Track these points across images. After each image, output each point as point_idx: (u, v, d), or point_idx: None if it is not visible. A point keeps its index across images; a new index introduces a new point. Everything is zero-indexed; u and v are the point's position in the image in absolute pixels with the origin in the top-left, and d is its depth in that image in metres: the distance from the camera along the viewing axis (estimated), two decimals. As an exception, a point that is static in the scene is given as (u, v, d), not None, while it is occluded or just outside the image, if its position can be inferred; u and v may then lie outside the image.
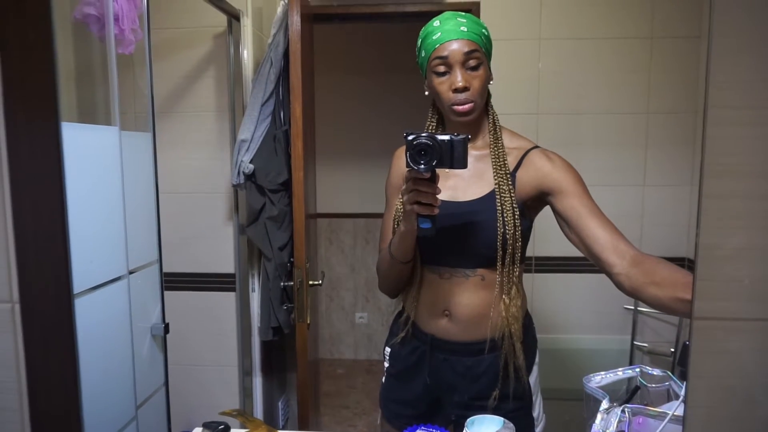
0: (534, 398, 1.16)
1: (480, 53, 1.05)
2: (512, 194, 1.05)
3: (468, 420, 1.01)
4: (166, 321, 1.40)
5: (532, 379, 1.16)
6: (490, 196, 1.05)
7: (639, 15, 2.02)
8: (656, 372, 0.97)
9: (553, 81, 2.07)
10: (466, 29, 1.04)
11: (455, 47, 1.03)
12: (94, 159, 1.12)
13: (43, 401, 0.58)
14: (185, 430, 1.07)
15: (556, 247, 2.14)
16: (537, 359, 1.19)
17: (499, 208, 1.03)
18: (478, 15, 2.04)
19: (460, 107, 1.05)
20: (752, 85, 0.47)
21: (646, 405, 0.90)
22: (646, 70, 2.03)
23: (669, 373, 0.96)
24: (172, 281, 1.83)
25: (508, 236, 1.04)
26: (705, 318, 0.53)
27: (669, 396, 0.92)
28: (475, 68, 1.04)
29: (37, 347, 0.56)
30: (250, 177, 1.71)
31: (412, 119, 1.25)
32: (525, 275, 2.26)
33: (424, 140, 0.92)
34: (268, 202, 1.74)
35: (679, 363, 0.68)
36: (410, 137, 0.93)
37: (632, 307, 2.14)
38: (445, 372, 1.14)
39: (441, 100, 1.08)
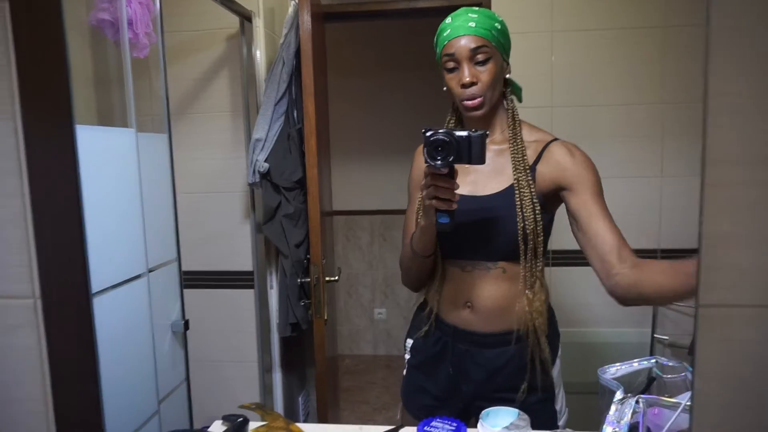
0: (557, 391, 1.18)
1: (489, 48, 1.05)
2: (532, 188, 1.06)
3: (483, 412, 1.02)
4: (186, 318, 1.44)
5: (555, 372, 1.18)
6: (510, 190, 1.06)
7: (650, 4, 1.99)
8: (672, 363, 0.97)
9: (567, 73, 2.05)
10: (474, 24, 1.05)
11: (462, 43, 1.05)
12: (111, 160, 1.15)
13: (65, 395, 0.60)
14: (206, 426, 1.09)
15: (574, 241, 2.13)
16: (560, 352, 1.21)
17: (518, 202, 1.05)
18: (489, 8, 2.03)
19: (469, 102, 1.06)
20: (753, 73, 0.47)
21: (663, 396, 0.89)
22: (659, 60, 2.00)
23: (685, 363, 0.95)
24: (192, 279, 1.87)
25: (528, 230, 1.05)
26: (710, 306, 0.53)
27: (686, 387, 0.92)
28: (483, 63, 1.05)
29: (59, 342, 0.58)
30: (266, 175, 1.73)
31: (428, 115, 1.27)
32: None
33: (440, 136, 0.93)
34: (284, 200, 1.76)
35: (689, 352, 0.67)
36: (428, 133, 0.94)
37: (652, 300, 2.12)
38: (467, 363, 1.15)
39: (453, 96, 1.09)
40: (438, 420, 1.05)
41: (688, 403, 0.80)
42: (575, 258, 2.15)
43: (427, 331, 1.20)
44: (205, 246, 1.93)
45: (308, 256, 1.80)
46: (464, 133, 0.93)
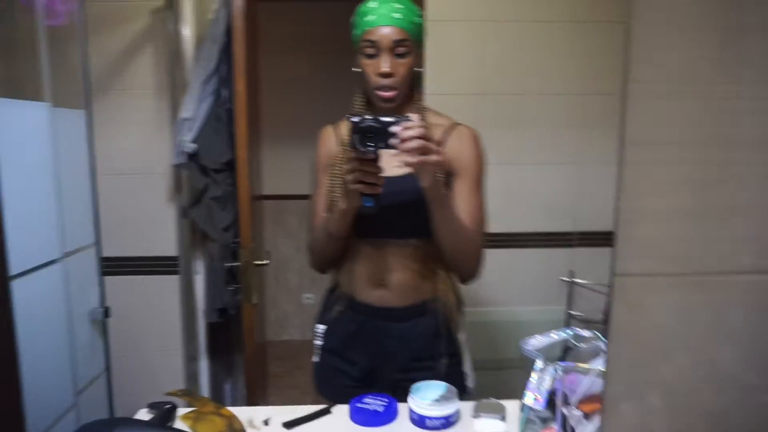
0: (464, 355, 1.26)
1: (410, 42, 1.09)
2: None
3: (413, 386, 1.06)
4: (107, 305, 1.37)
5: (462, 337, 1.27)
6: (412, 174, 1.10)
7: (578, 0, 2.10)
8: (586, 333, 1.05)
9: (498, 63, 2.13)
10: (400, 16, 1.08)
11: (386, 32, 1.07)
12: (22, 135, 1.06)
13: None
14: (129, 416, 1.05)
15: (500, 224, 2.23)
16: (464, 319, 1.30)
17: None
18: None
19: (385, 93, 1.10)
20: (667, 62, 0.52)
21: (578, 363, 0.97)
22: (581, 53, 2.12)
23: (597, 333, 1.03)
24: (113, 266, 1.78)
25: None
26: (623, 275, 0.58)
27: (598, 354, 0.99)
28: (402, 56, 1.09)
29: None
30: (193, 157, 1.67)
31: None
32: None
33: (371, 123, 0.95)
34: (212, 183, 1.71)
35: (603, 322, 0.74)
36: (355, 119, 0.96)
37: (568, 279, 2.26)
38: (384, 338, 1.20)
39: (367, 81, 1.12)
40: (370, 396, 1.08)
41: (601, 368, 0.87)
42: (496, 240, 2.26)
43: (341, 312, 1.22)
44: (126, 230, 1.83)
45: (237, 240, 1.76)
46: (392, 119, 0.96)
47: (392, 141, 0.95)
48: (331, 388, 1.27)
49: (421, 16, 1.13)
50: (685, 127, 0.56)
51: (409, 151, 0.95)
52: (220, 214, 1.72)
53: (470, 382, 1.26)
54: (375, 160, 1.00)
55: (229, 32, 1.68)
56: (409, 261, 1.17)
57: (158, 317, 1.90)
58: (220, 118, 1.70)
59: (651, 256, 0.57)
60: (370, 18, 1.08)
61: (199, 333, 1.97)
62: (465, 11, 2.10)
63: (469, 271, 1.18)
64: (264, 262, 1.72)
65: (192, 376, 1.96)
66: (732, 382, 0.71)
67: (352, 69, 1.16)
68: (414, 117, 0.98)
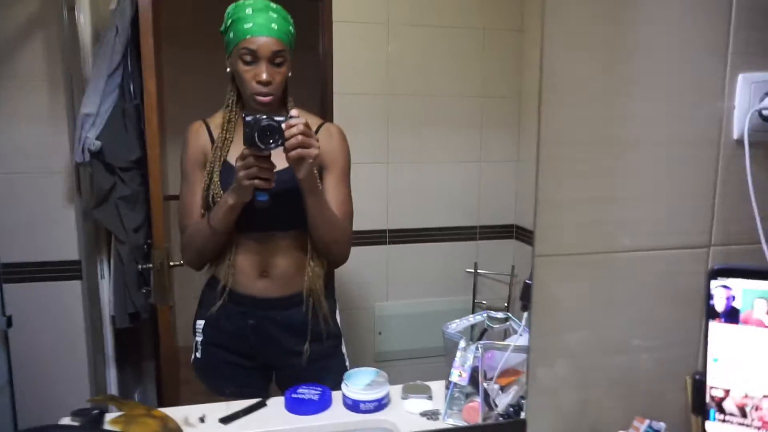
0: (341, 337, 1.42)
1: (286, 52, 1.20)
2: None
3: (345, 374, 1.11)
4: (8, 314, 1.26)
5: (339, 319, 1.42)
6: (290, 169, 1.19)
7: (473, 7, 2.26)
8: (499, 314, 1.16)
9: (402, 64, 2.23)
10: (276, 27, 1.16)
11: (264, 43, 1.17)
12: None
13: None
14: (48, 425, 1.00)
15: (408, 220, 2.34)
16: (338, 305, 1.46)
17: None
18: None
19: (263, 99, 1.20)
20: (576, 74, 0.61)
21: (492, 341, 1.07)
22: (480, 58, 2.29)
23: (509, 314, 1.15)
24: (9, 272, 1.63)
25: None
26: (542, 255, 0.68)
27: (511, 333, 1.11)
28: (279, 65, 1.19)
29: None
30: (97, 155, 1.58)
31: None
32: (380, 247, 2.43)
33: (269, 122, 1.04)
34: (119, 182, 1.63)
35: (521, 298, 0.84)
36: (249, 118, 1.05)
37: (472, 270, 2.42)
38: (267, 327, 1.27)
39: (244, 85, 1.21)
40: (304, 387, 1.12)
41: (516, 344, 0.98)
42: (409, 235, 2.37)
43: (221, 306, 1.27)
44: (22, 234, 1.69)
45: (149, 240, 1.69)
46: (282, 117, 1.07)
47: (286, 137, 1.06)
48: (219, 381, 1.31)
49: (293, 24, 1.22)
50: (586, 129, 0.66)
51: (294, 146, 1.03)
52: (129, 214, 1.65)
53: (347, 363, 1.38)
54: (269, 155, 1.09)
55: (134, 23, 1.61)
56: (289, 251, 1.27)
57: (61, 325, 1.77)
58: (128, 113, 1.62)
59: (563, 240, 0.67)
60: (247, 26, 1.15)
61: (106, 340, 1.87)
62: (368, 13, 2.17)
63: (340, 256, 1.30)
64: (179, 262, 1.67)
65: (99, 385, 1.85)
66: (622, 345, 0.84)
67: (227, 70, 1.25)
68: (295, 113, 1.09)
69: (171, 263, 1.60)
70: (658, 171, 0.69)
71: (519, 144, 2.40)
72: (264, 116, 1.05)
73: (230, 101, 1.27)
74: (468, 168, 2.36)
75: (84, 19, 1.69)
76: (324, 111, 2.23)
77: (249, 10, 1.16)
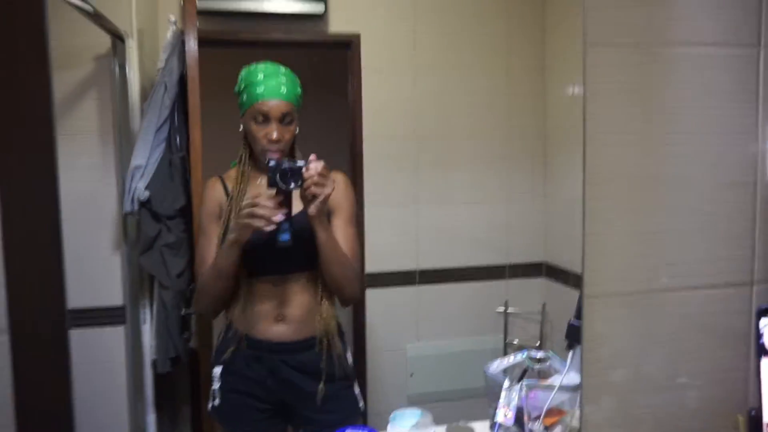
0: (353, 379, 1.42)
1: (294, 112, 1.30)
2: None
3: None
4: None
5: (350, 360, 1.42)
6: (304, 211, 1.24)
7: (495, 50, 2.34)
8: (540, 354, 1.17)
9: (428, 107, 2.31)
10: (285, 90, 1.29)
11: (275, 105, 1.27)
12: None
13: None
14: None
15: (438, 260, 2.36)
16: (349, 346, 1.46)
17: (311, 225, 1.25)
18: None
19: (273, 155, 1.30)
20: (616, 118, 0.65)
21: (535, 380, 1.08)
22: (504, 98, 2.36)
23: (550, 352, 1.16)
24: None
25: None
26: (592, 296, 0.70)
27: (553, 372, 1.12)
28: (288, 124, 1.29)
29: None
30: (145, 204, 1.66)
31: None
32: (410, 287, 2.45)
33: (289, 164, 1.15)
34: (164, 229, 1.71)
35: (566, 337, 0.86)
36: (273, 162, 1.15)
37: (503, 309, 2.42)
38: (283, 370, 1.32)
39: (256, 142, 1.31)
40: (350, 429, 1.13)
41: (562, 383, 0.99)
42: (438, 275, 2.39)
43: (235, 351, 1.31)
44: (68, 281, 1.76)
45: (191, 286, 1.75)
46: (302, 162, 1.16)
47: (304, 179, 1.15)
48: (239, 426, 1.34)
49: (301, 86, 1.33)
50: (627, 168, 0.70)
51: (312, 186, 1.14)
52: (173, 260, 1.71)
53: (361, 404, 1.39)
54: (290, 196, 1.18)
55: (181, 80, 1.72)
56: (302, 294, 1.31)
57: (104, 370, 1.82)
58: (174, 164, 1.71)
59: (612, 279, 0.70)
60: (260, 90, 1.26)
61: (146, 384, 1.91)
62: (395, 60, 2.27)
63: (351, 294, 1.34)
64: (220, 306, 1.72)
65: (138, 429, 1.88)
66: (668, 383, 0.85)
67: (240, 129, 1.36)
68: (314, 158, 1.18)
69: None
70: (699, 211, 0.72)
71: (545, 182, 2.44)
72: (285, 160, 1.16)
73: (243, 156, 1.37)
74: (495, 207, 2.40)
75: (134, 77, 1.81)
76: (353, 155, 2.31)
77: (261, 75, 1.28)
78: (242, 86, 1.31)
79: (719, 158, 0.71)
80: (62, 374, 0.53)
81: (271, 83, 1.27)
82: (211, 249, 1.33)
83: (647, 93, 0.67)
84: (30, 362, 0.51)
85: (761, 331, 0.62)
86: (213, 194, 1.38)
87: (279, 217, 1.16)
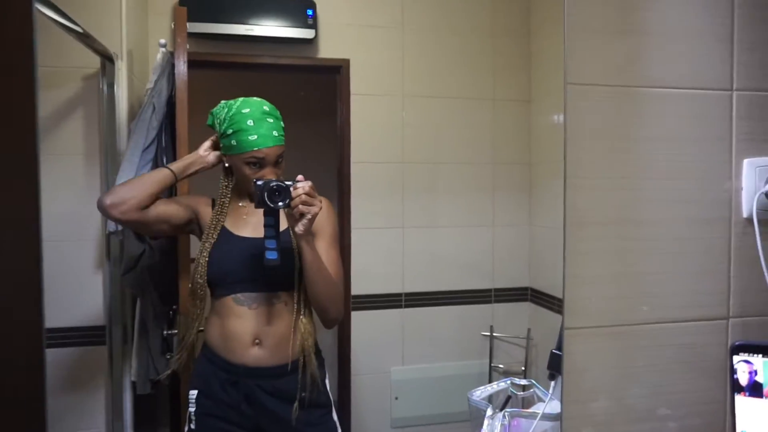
0: (332, 405, 1.41)
1: (284, 151, 1.33)
2: None
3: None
4: (40, 381, 1.29)
5: (328, 386, 1.43)
6: (287, 231, 1.28)
7: (483, 80, 2.39)
8: (523, 381, 1.18)
9: (416, 133, 2.34)
10: (277, 134, 1.31)
11: (270, 152, 1.29)
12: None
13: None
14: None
15: (424, 283, 2.37)
16: (327, 371, 1.45)
17: (294, 240, 1.26)
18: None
19: None
20: (594, 161, 0.67)
21: (518, 408, 1.09)
22: (491, 126, 2.40)
23: (533, 381, 1.17)
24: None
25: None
26: (572, 328, 0.71)
27: (536, 400, 1.12)
28: (280, 163, 1.32)
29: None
30: (130, 228, 1.65)
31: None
32: (395, 310, 2.45)
33: (277, 183, 1.16)
34: (148, 249, 1.69)
35: (548, 367, 0.86)
36: (260, 182, 1.18)
37: (488, 334, 2.43)
38: (259, 395, 1.31)
39: (247, 182, 1.32)
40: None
41: (541, 412, 1.00)
42: (424, 298, 2.40)
43: (214, 374, 1.30)
44: (49, 300, 1.74)
45: (174, 306, 1.73)
46: (289, 182, 1.18)
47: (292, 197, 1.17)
48: None
49: (282, 119, 1.36)
50: (607, 211, 0.72)
51: (299, 204, 1.15)
52: (155, 281, 1.69)
53: (340, 431, 1.38)
54: (278, 215, 1.20)
55: (169, 102, 1.73)
56: (281, 315, 1.30)
57: (83, 390, 1.79)
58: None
59: (591, 313, 0.71)
60: (252, 138, 1.29)
61: (125, 406, 1.87)
62: (384, 86, 2.31)
63: (335, 315, 1.33)
64: (202, 328, 1.70)
65: (116, 455, 1.84)
66: (648, 414, 0.86)
67: (225, 165, 1.40)
68: (301, 177, 1.20)
69: (200, 328, 1.63)
70: (676, 247, 0.74)
71: (530, 208, 2.48)
72: (273, 180, 1.18)
73: (225, 188, 1.41)
74: (481, 232, 2.42)
75: (122, 97, 1.81)
76: (341, 178, 2.33)
77: (250, 122, 1.28)
78: (227, 129, 1.31)
79: (695, 196, 0.73)
80: (37, 395, 0.53)
81: (262, 130, 1.28)
82: (165, 203, 1.38)
83: (624, 133, 0.69)
84: (3, 382, 0.51)
85: (734, 367, 0.63)
86: (199, 200, 1.43)
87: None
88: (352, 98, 2.30)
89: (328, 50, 2.25)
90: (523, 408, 1.10)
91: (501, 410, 1.08)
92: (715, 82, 0.73)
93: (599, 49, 0.68)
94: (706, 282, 0.76)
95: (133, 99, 1.88)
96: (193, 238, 1.69)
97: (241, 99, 1.34)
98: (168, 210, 1.38)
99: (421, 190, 2.37)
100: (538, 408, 1.04)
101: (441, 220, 2.40)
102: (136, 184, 1.35)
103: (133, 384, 1.82)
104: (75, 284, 1.78)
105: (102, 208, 1.32)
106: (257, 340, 1.29)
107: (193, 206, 1.41)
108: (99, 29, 1.63)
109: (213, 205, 1.42)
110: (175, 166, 1.39)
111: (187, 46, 1.67)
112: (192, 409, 1.33)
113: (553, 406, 1.01)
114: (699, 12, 0.73)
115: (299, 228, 1.17)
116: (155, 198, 1.35)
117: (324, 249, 1.32)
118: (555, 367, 0.81)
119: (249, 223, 1.36)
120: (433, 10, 2.33)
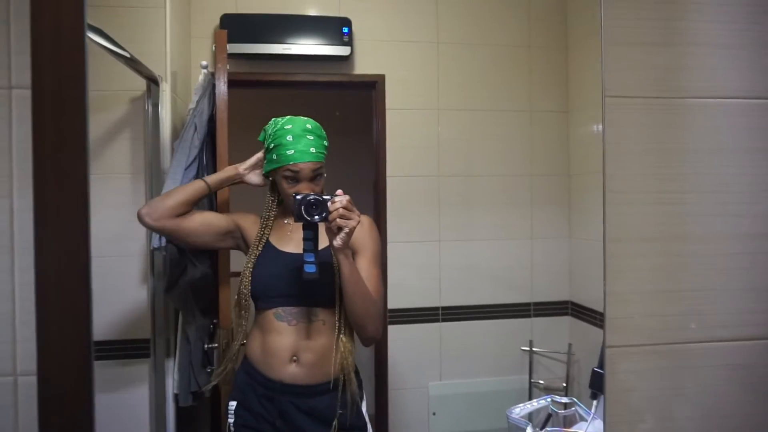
0: (369, 426, 1.39)
1: (322, 167, 1.34)
2: None
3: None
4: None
5: (364, 407, 1.39)
6: (327, 249, 1.26)
7: (518, 92, 2.37)
8: (564, 400, 1.14)
9: (451, 146, 2.34)
10: (314, 150, 1.32)
11: (305, 167, 1.31)
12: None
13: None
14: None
15: (461, 297, 2.35)
16: (364, 395, 1.43)
17: (335, 258, 1.25)
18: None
19: None
20: (635, 175, 0.66)
21: (560, 428, 1.06)
22: (528, 138, 2.37)
23: (574, 399, 1.14)
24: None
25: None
26: (614, 347, 0.69)
27: (578, 419, 1.09)
28: (317, 178, 1.33)
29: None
30: (171, 240, 1.70)
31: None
32: (433, 324, 2.43)
33: (315, 197, 1.18)
34: (190, 265, 1.74)
35: (590, 386, 0.84)
36: (300, 196, 1.19)
37: (528, 349, 2.38)
38: (293, 414, 1.31)
39: (286, 197, 1.35)
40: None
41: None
42: (462, 312, 2.37)
43: (252, 388, 1.34)
44: (96, 315, 1.80)
45: (214, 320, 1.77)
46: (328, 196, 1.19)
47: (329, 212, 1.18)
48: None
49: (326, 137, 1.37)
50: (649, 227, 0.69)
51: (337, 218, 1.15)
52: (197, 295, 1.74)
53: None
54: (316, 229, 1.21)
55: (210, 121, 1.78)
56: (320, 336, 1.30)
57: (128, 402, 1.84)
58: (201, 202, 1.75)
59: (633, 331, 0.69)
60: (290, 153, 1.30)
61: (168, 418, 1.91)
62: (419, 100, 2.32)
63: (372, 332, 1.31)
64: (243, 341, 1.73)
65: (159, 467, 1.88)
66: (697, 437, 0.82)
67: (270, 180, 1.42)
68: (340, 192, 1.20)
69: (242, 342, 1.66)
70: (724, 263, 0.71)
71: (570, 221, 2.42)
72: (311, 195, 1.19)
73: (271, 203, 1.44)
74: (520, 245, 2.38)
75: (166, 117, 1.88)
76: (377, 193, 2.34)
77: (290, 137, 1.30)
78: (270, 144, 1.35)
79: (743, 210, 0.70)
80: (86, 415, 0.55)
81: (300, 146, 1.30)
82: (206, 213, 1.43)
83: (665, 147, 0.67)
84: (55, 403, 0.53)
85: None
86: (246, 216, 1.47)
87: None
88: (388, 113, 2.31)
89: (363, 66, 2.28)
90: (564, 427, 1.07)
91: (541, 429, 1.05)
92: (764, 90, 0.70)
93: (638, 61, 0.67)
94: (758, 299, 0.72)
95: (177, 119, 1.95)
96: (233, 254, 1.73)
97: (288, 117, 1.37)
98: (207, 218, 1.42)
99: (458, 204, 2.36)
100: (580, 427, 1.01)
101: (478, 234, 2.37)
102: (169, 194, 1.41)
103: (176, 396, 1.86)
104: (121, 299, 1.84)
105: (139, 217, 1.38)
106: (295, 357, 1.29)
107: (237, 220, 1.44)
108: (145, 53, 1.70)
109: (259, 222, 1.45)
110: (210, 178, 1.44)
111: (228, 67, 1.72)
112: (231, 420, 1.35)
113: (597, 426, 0.97)
114: (743, 20, 0.71)
115: (337, 242, 1.17)
116: (188, 206, 1.39)
117: (365, 266, 1.32)
118: (597, 386, 0.79)
119: (293, 240, 1.37)
120: (468, 25, 2.33)
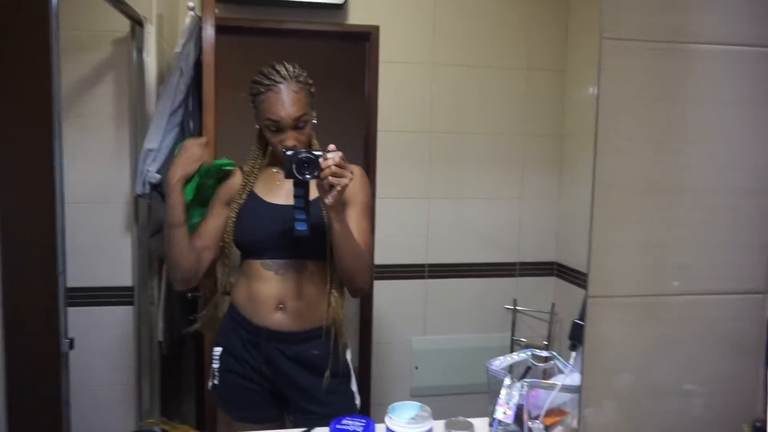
0: (351, 375, 1.40)
1: (306, 115, 1.28)
2: None
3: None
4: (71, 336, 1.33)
5: (349, 356, 1.40)
6: (317, 201, 1.23)
7: (516, 49, 2.31)
8: (543, 353, 1.15)
9: (444, 102, 2.29)
10: (297, 98, 1.26)
11: (286, 115, 1.25)
12: None
13: None
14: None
15: (448, 255, 2.36)
16: (349, 344, 1.43)
17: (326, 214, 1.23)
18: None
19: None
20: (630, 121, 0.64)
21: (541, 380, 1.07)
22: (523, 97, 2.33)
23: (554, 353, 1.15)
24: (67, 296, 1.72)
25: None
26: (596, 296, 0.69)
27: (557, 372, 1.11)
28: (302, 127, 1.28)
29: None
30: (156, 187, 1.67)
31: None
32: (419, 281, 2.43)
33: (306, 155, 1.14)
34: (175, 212, 1.71)
35: (570, 337, 0.85)
36: (290, 152, 1.15)
37: (511, 307, 2.41)
38: (279, 360, 1.32)
39: (273, 146, 1.32)
40: (348, 418, 1.13)
41: (562, 383, 0.98)
42: (448, 270, 2.38)
43: (237, 334, 1.34)
44: (80, 261, 1.78)
45: (199, 269, 1.76)
46: (319, 152, 1.15)
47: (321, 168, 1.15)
48: (236, 407, 1.34)
49: (313, 84, 1.32)
50: (639, 176, 0.68)
51: (329, 176, 1.13)
52: (182, 243, 1.72)
53: (357, 401, 1.37)
54: (307, 187, 1.17)
55: (197, 66, 1.72)
56: (306, 285, 1.30)
57: (113, 348, 1.85)
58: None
59: (616, 281, 0.68)
60: (270, 101, 1.25)
61: (153, 364, 1.93)
62: (413, 54, 2.26)
63: (361, 285, 1.31)
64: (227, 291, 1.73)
65: (143, 407, 1.91)
66: (673, 390, 0.83)
67: (256, 125, 1.36)
68: (333, 148, 1.17)
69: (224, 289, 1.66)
70: (712, 217, 0.70)
71: (560, 183, 2.41)
72: (303, 150, 1.15)
73: (258, 152, 1.39)
74: (508, 205, 2.38)
75: (151, 61, 1.82)
76: (367, 148, 2.30)
77: (273, 84, 1.26)
78: (254, 92, 1.30)
79: (736, 163, 0.69)
80: (54, 354, 0.54)
81: (282, 95, 1.26)
82: (207, 226, 1.34)
83: (663, 94, 0.65)
84: (22, 341, 0.51)
85: (769, 341, 0.60)
86: (229, 184, 1.38)
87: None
88: (381, 66, 2.26)
89: (357, 16, 2.21)
90: (543, 379, 1.09)
91: (519, 381, 1.07)
92: (765, 38, 0.68)
93: (638, 1, 0.64)
94: (745, 254, 0.72)
95: (162, 63, 1.88)
96: (218, 203, 1.71)
97: (271, 64, 1.32)
98: (211, 230, 1.35)
99: (448, 161, 2.33)
100: (559, 380, 1.02)
101: (467, 192, 2.36)
102: (175, 267, 1.33)
103: (160, 343, 1.87)
104: (104, 246, 1.82)
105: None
106: (281, 305, 1.30)
107: (223, 198, 1.37)
108: (128, -8, 1.63)
109: (242, 173, 1.40)
110: (174, 218, 1.32)
111: (216, 11, 1.65)
112: (216, 366, 1.37)
113: (575, 378, 0.99)
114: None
115: (329, 199, 1.15)
116: (196, 251, 1.32)
117: (355, 219, 1.31)
118: (577, 338, 0.79)
119: (282, 189, 1.34)
120: (466, -25, 2.26)
